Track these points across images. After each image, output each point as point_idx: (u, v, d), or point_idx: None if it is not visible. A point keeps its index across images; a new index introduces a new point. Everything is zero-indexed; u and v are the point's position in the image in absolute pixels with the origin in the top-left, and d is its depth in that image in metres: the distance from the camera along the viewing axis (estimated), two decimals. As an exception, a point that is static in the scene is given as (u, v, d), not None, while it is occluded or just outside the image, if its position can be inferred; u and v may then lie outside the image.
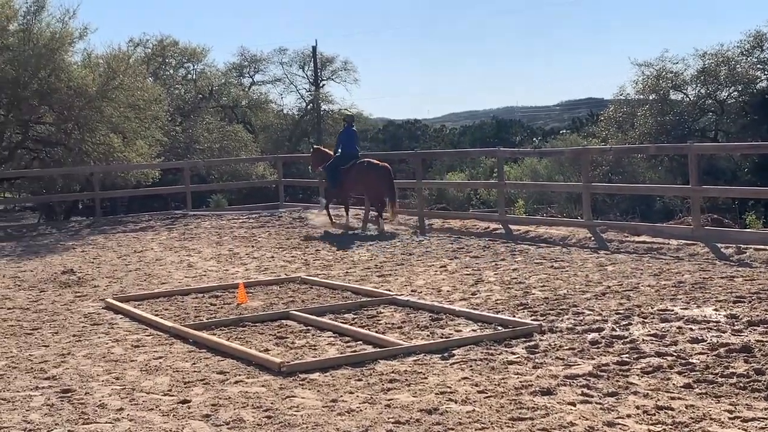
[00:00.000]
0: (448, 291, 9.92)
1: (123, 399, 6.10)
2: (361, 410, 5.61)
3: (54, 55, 22.76)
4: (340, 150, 17.63)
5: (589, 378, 6.10)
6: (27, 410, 5.94)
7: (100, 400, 6.08)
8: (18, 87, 22.48)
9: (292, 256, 13.67)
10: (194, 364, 7.04)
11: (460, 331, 7.84)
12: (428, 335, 7.73)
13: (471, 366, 6.58)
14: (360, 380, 6.33)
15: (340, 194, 17.91)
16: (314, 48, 48.24)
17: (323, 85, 48.97)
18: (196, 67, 40.90)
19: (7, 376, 6.91)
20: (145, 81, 26.47)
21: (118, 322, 8.98)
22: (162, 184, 27.80)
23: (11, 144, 24.14)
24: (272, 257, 13.72)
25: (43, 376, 6.86)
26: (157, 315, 9.09)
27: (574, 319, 8.00)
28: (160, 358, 7.29)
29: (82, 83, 22.98)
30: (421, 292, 9.97)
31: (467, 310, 8.63)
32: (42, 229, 20.68)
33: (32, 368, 7.13)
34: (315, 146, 20.52)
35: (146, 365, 7.05)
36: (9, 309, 10.12)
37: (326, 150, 18.91)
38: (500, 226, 15.67)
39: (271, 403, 5.84)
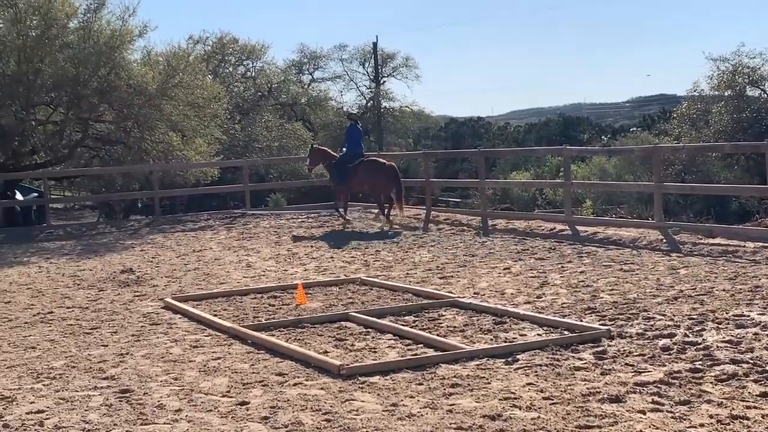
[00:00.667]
0: (512, 294, 9.86)
1: (181, 400, 6.20)
2: (422, 415, 5.61)
3: (114, 52, 23.22)
4: (344, 148, 18.67)
5: (660, 385, 6.00)
6: (86, 410, 6.07)
7: (158, 401, 6.18)
8: (78, 85, 22.98)
9: (352, 257, 13.73)
10: (253, 365, 7.11)
11: (525, 335, 7.78)
12: (491, 339, 7.69)
13: (536, 371, 6.53)
14: (421, 384, 6.33)
15: (347, 192, 18.91)
16: (375, 44, 48.42)
17: (384, 81, 49.12)
18: (255, 64, 41.39)
19: (66, 375, 7.07)
20: (204, 79, 26.84)
21: (177, 322, 9.12)
22: (221, 183, 28.18)
23: (71, 142, 24.69)
24: (331, 257, 13.79)
25: (102, 375, 7.00)
26: (215, 315, 9.21)
27: (645, 325, 7.88)
28: (219, 358, 7.38)
29: (142, 81, 23.39)
30: (484, 294, 9.92)
31: (532, 313, 8.56)
32: (101, 227, 21.13)
33: (91, 368, 7.28)
34: (313, 145, 21.34)
35: (205, 366, 7.14)
36: (68, 308, 10.36)
37: (325, 149, 19.91)
38: (567, 227, 15.52)
39: (331, 406, 5.87)
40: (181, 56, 25.50)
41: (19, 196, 25.85)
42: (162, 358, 7.53)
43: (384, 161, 18.52)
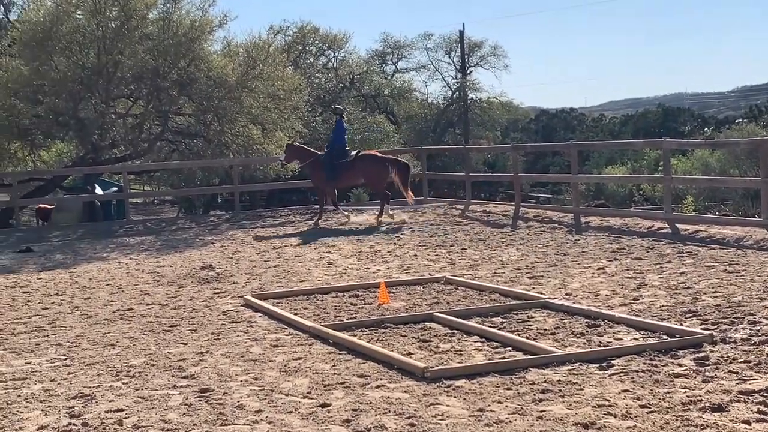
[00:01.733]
0: (606, 295, 9.72)
1: (262, 400, 6.29)
2: (510, 421, 5.58)
3: (193, 44, 23.66)
4: (329, 145, 19.44)
5: (766, 394, 5.84)
6: (165, 409, 6.21)
7: (238, 401, 6.29)
8: (158, 77, 23.49)
9: (437, 255, 13.72)
10: (334, 366, 7.17)
11: (620, 339, 7.66)
12: (584, 343, 7.60)
13: (632, 378, 6.43)
14: (509, 389, 6.29)
15: (334, 189, 19.61)
16: (461, 32, 48.21)
17: (471, 71, 48.90)
18: (337, 54, 41.66)
19: (145, 373, 7.25)
20: (285, 70, 27.12)
21: (257, 321, 9.26)
22: (302, 178, 28.39)
23: (151, 136, 25.25)
24: (415, 255, 13.81)
25: (182, 374, 7.16)
26: (296, 314, 9.31)
27: (751, 329, 7.68)
28: (300, 358, 7.47)
29: (222, 73, 23.77)
30: (576, 295, 9.81)
31: (628, 316, 8.42)
32: (181, 223, 21.58)
33: (170, 366, 7.45)
34: (289, 142, 21.72)
35: (285, 366, 7.24)
36: (148, 305, 10.62)
37: (303, 147, 20.56)
38: (666, 225, 15.22)
39: (414, 410, 5.89)
40: (261, 47, 25.82)
41: (98, 191, 26.54)
42: (242, 357, 7.65)
43: (379, 154, 19.68)
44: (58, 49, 22.90)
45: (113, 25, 23.41)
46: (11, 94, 22.90)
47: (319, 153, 19.73)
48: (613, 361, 6.85)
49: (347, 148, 19.42)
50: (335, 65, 41.45)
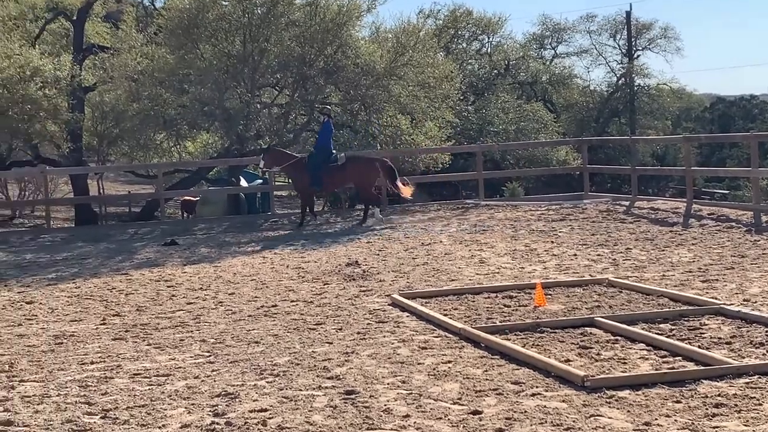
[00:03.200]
0: (790, 302, 9.33)
1: (409, 405, 6.35)
2: (679, 438, 5.43)
3: (341, 30, 24.03)
4: (314, 147, 19.86)
5: None
6: (309, 411, 6.35)
7: (385, 405, 6.37)
8: (304, 65, 23.98)
9: (598, 255, 13.49)
10: (486, 371, 7.16)
11: (806, 351, 7.34)
12: (764, 354, 7.32)
13: (819, 394, 6.15)
14: (678, 402, 6.13)
15: (315, 193, 20.18)
16: (628, 13, 47.12)
17: (638, 56, 47.75)
18: (491, 39, 41.49)
19: (289, 373, 7.42)
20: (435, 56, 27.21)
21: (404, 321, 9.34)
22: (452, 170, 28.48)
23: (296, 126, 25.81)
24: (575, 255, 13.62)
25: (327, 375, 7.30)
26: (445, 315, 9.34)
27: None
28: (450, 362, 7.49)
29: (370, 60, 24.03)
30: (755, 302, 9.45)
31: (815, 326, 8.06)
32: (326, 217, 21.97)
33: (315, 366, 7.60)
34: (270, 146, 21.92)
35: (434, 369, 7.27)
36: (292, 302, 10.87)
37: (283, 151, 20.85)
38: None
39: (573, 422, 5.82)
40: (410, 32, 25.98)
41: (243, 183, 27.32)
42: (389, 358, 7.74)
43: (366, 157, 20.36)
44: (204, 36, 23.71)
45: (259, 11, 24.05)
46: (157, 84, 23.88)
47: (300, 156, 20.18)
48: (797, 376, 6.57)
49: (333, 152, 19.90)
50: (489, 51, 41.28)
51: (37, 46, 27.11)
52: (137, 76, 24.37)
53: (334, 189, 21.79)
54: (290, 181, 20.73)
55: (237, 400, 6.70)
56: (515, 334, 8.37)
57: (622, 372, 6.94)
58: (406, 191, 19.75)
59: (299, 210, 20.73)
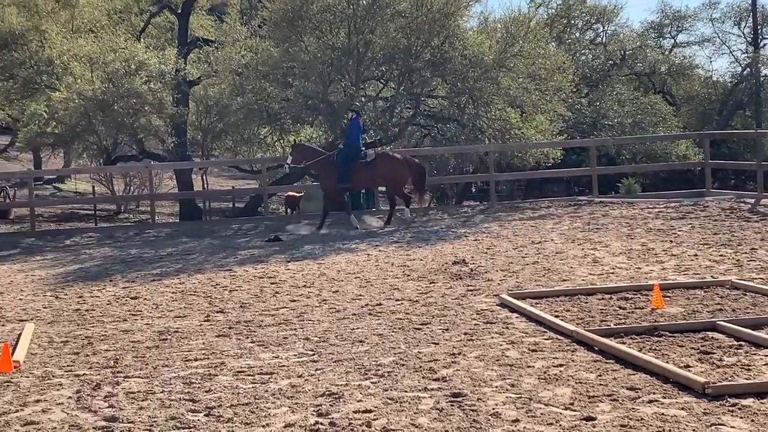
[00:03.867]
0: None
1: (519, 409, 6.31)
2: (809, 450, 5.27)
3: (448, 20, 23.99)
4: (342, 144, 19.85)
5: None
6: (415, 413, 6.37)
7: (493, 409, 6.34)
8: (410, 57, 24.03)
9: (721, 255, 13.18)
10: (600, 375, 7.07)
11: None
12: None
13: None
14: (808, 413, 5.95)
15: (345, 192, 20.19)
16: (754, 0, 45.85)
17: (764, 44, 46.40)
18: (606, 28, 40.86)
19: (395, 373, 7.46)
20: (547, 47, 26.97)
21: (514, 322, 9.29)
22: (564, 166, 28.18)
23: (401, 120, 25.90)
24: (695, 255, 13.33)
25: (433, 376, 7.31)
26: (557, 316, 9.27)
27: None
28: (561, 366, 7.42)
29: (478, 51, 23.94)
30: None
31: None
32: (432, 213, 22.00)
33: (421, 367, 7.62)
34: (296, 141, 21.79)
35: (545, 373, 7.22)
36: (397, 300, 10.92)
37: (311, 146, 21.07)
38: None
39: (693, 430, 5.70)
40: (521, 22, 25.78)
41: (347, 178, 27.51)
42: (497, 360, 7.71)
43: (397, 155, 20.41)
44: (308, 29, 23.97)
45: (364, 2, 24.19)
46: (261, 77, 24.25)
47: (329, 153, 20.16)
48: None
49: (363, 149, 19.98)
50: (604, 40, 40.68)
51: (142, 39, 27.87)
52: (241, 69, 24.78)
53: (363, 187, 21.85)
54: (318, 178, 20.70)
55: (341, 400, 6.76)
56: (631, 338, 8.24)
57: (745, 379, 6.78)
58: (425, 200, 20.27)
59: (413, 207, 20.72)
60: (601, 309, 9.71)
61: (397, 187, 19.96)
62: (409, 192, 20.34)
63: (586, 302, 10.12)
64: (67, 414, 6.75)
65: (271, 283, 12.78)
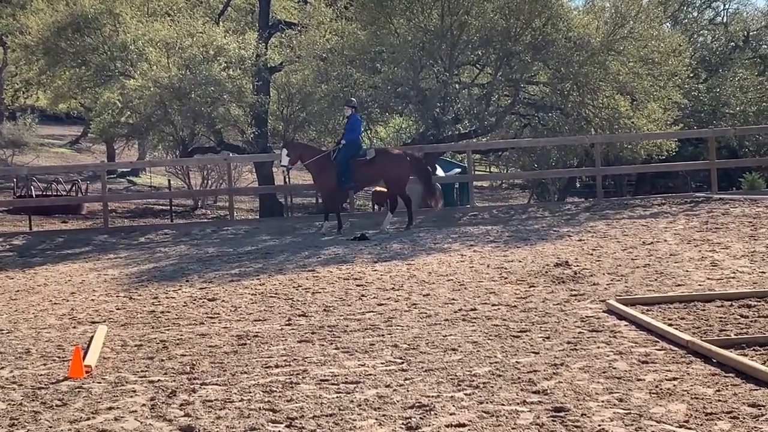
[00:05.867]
0: None
1: (627, 426, 6.24)
2: None
3: (551, 0, 23.86)
4: (343, 141, 19.67)
5: None
6: (513, 428, 6.34)
7: (599, 425, 6.28)
8: (509, 40, 23.96)
9: None
10: (718, 391, 6.96)
11: None
12: None
13: None
14: None
15: (347, 193, 20.14)
16: None
17: None
18: (727, 6, 40.20)
19: (490, 384, 7.43)
20: (661, 27, 26.64)
21: (622, 330, 9.19)
22: (679, 159, 27.80)
23: (499, 109, 25.83)
24: (827, 258, 13.02)
25: (532, 389, 7.27)
26: (670, 325, 9.14)
27: None
28: (675, 379, 7.32)
29: (584, 33, 23.78)
30: None
31: None
32: (533, 211, 21.89)
33: (519, 378, 7.58)
34: (292, 139, 22.11)
35: (656, 387, 7.13)
36: (494, 305, 10.89)
37: (306, 143, 21.46)
38: None
39: (823, 454, 5.57)
40: (631, 1, 25.50)
41: (440, 172, 27.56)
42: (603, 373, 7.63)
43: (398, 151, 20.21)
44: (398, 10, 24.07)
45: (459, -20, 24.17)
46: (347, 63, 24.40)
47: (326, 151, 20.15)
48: None
49: (363, 146, 20.02)
50: (725, 20, 39.99)
51: (221, 23, 28.28)
52: (326, 54, 25.00)
53: (363, 186, 21.75)
54: (313, 178, 20.62)
55: (432, 412, 6.76)
56: (754, 349, 8.09)
57: None
58: (437, 202, 20.44)
59: (509, 203, 20.65)
60: (720, 317, 9.55)
61: (400, 184, 19.85)
62: (423, 195, 20.59)
63: (704, 309, 9.96)
64: (141, 423, 6.88)
65: (357, 285, 12.85)
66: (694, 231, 16.69)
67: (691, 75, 30.20)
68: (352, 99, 21.47)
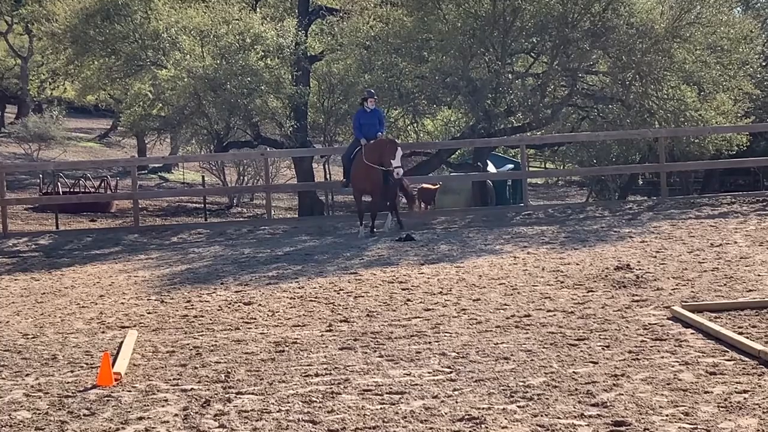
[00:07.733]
0: None
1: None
2: None
3: (612, -18, 23.73)
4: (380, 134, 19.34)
5: None
6: (570, 442, 6.32)
7: (662, 441, 6.25)
8: (566, 26, 23.83)
9: None
10: (792, 405, 6.90)
11: None
12: None
13: None
14: None
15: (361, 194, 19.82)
16: None
17: None
18: (808, -13, 39.68)
19: (545, 396, 7.42)
20: (731, 12, 26.37)
21: (688, 339, 9.13)
22: (751, 154, 27.52)
23: (555, 100, 25.69)
24: None
25: (591, 401, 7.24)
26: (741, 333, 9.08)
27: None
28: (746, 392, 7.26)
29: (647, 19, 23.60)
30: None
31: None
32: (591, 210, 21.78)
33: (576, 390, 7.56)
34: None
35: (725, 400, 7.08)
36: (549, 311, 10.85)
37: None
38: None
39: None
40: (700, -17, 25.29)
41: (491, 168, 27.51)
42: (668, 384, 7.59)
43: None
44: (448, -6, 24.01)
45: (513, -38, 24.08)
46: (392, 51, 24.40)
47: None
48: None
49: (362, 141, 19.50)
50: (800, 4, 39.51)
51: (258, 9, 28.34)
52: (369, 42, 24.99)
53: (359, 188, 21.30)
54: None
55: (483, 425, 6.76)
56: (831, 361, 8.01)
57: None
58: (415, 206, 20.98)
59: (566, 201, 20.56)
60: (795, 325, 9.47)
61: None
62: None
63: (777, 317, 9.89)
64: (173, 433, 6.93)
65: (402, 289, 12.86)
66: (766, 232, 16.55)
67: (764, 64, 29.89)
68: (371, 89, 21.20)
